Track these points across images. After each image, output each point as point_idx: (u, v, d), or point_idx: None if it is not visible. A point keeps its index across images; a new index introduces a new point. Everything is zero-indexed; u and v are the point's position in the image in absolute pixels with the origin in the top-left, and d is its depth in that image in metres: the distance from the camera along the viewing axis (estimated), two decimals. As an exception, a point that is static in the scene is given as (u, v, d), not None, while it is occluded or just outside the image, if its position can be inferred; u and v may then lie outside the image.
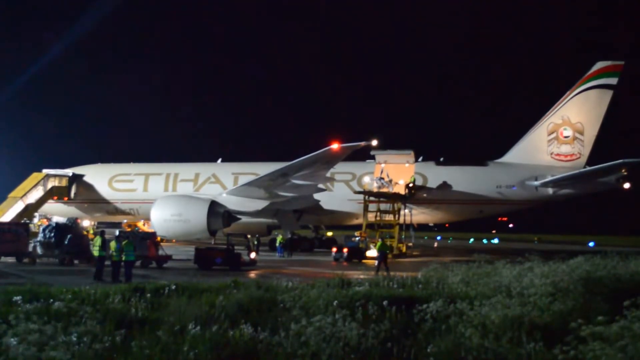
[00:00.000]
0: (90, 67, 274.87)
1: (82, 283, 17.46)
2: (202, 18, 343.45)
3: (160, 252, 29.49)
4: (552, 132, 44.85)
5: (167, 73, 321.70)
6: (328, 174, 40.26)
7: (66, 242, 28.88)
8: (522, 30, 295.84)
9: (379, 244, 27.85)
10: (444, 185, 44.20)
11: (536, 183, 43.51)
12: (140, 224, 52.80)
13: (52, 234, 29.63)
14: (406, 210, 42.39)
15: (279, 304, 12.28)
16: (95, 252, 23.12)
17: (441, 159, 47.33)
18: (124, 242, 22.72)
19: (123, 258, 22.25)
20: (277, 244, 31.88)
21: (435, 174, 44.94)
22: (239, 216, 41.77)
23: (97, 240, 23.29)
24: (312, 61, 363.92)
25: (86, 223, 49.20)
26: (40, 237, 30.23)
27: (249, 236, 38.36)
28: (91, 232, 49.35)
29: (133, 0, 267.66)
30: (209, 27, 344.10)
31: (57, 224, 31.35)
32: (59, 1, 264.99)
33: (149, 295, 13.74)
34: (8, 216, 44.50)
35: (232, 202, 41.11)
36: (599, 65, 44.26)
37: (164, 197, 42.93)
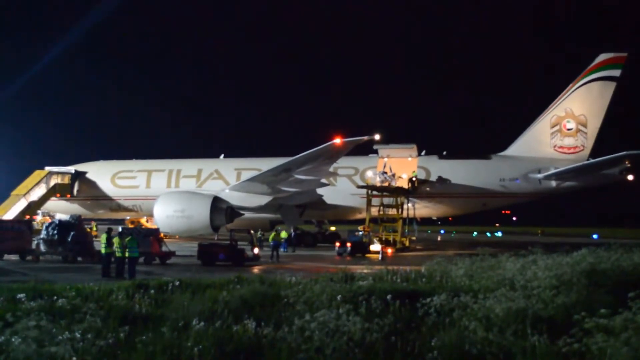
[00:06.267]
0: (92, 65, 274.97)
1: (86, 280, 17.49)
2: (203, 15, 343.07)
3: (164, 249, 29.49)
4: (555, 125, 44.73)
5: (168, 70, 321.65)
6: (331, 169, 40.23)
7: (69, 240, 28.89)
8: (524, 22, 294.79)
9: (272, 234, 33.14)
10: (447, 179, 44.15)
11: (539, 176, 43.42)
12: (143, 220, 52.89)
13: (55, 232, 29.62)
14: (409, 204, 42.34)
15: (282, 299, 12.28)
16: (102, 249, 23.20)
17: (444, 153, 47.31)
18: (127, 239, 22.76)
19: (127, 254, 22.29)
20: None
21: (438, 168, 44.89)
22: (242, 212, 41.81)
23: (103, 237, 23.34)
24: (314, 55, 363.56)
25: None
26: (43, 234, 30.22)
27: (252, 231, 38.43)
28: (94, 229, 49.64)
29: (133, 0, 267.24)
30: (209, 23, 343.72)
31: (60, 221, 31.32)
32: (60, 1, 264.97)
33: (152, 291, 13.79)
34: (11, 214, 44.60)
35: (235, 198, 41.10)
36: (602, 57, 44.08)
37: (167, 193, 42.95)
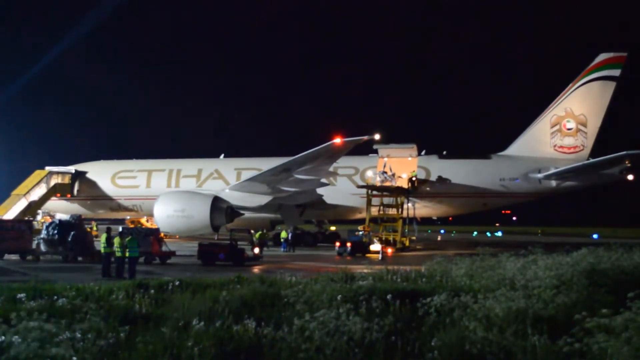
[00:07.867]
0: (92, 65, 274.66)
1: (86, 280, 17.50)
2: (203, 15, 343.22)
3: (164, 248, 29.50)
4: (555, 125, 44.77)
5: (169, 69, 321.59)
6: (331, 169, 40.25)
7: (70, 239, 28.91)
8: (524, 22, 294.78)
9: (258, 233, 34.35)
10: (447, 179, 44.17)
11: (539, 175, 43.45)
12: (143, 220, 52.89)
13: (56, 231, 29.66)
14: (409, 204, 42.35)
15: (282, 299, 12.26)
16: (102, 248, 23.22)
17: (444, 153, 47.32)
18: (127, 239, 22.76)
19: (127, 254, 22.30)
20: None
21: (438, 168, 44.90)
22: (242, 211, 41.82)
23: (103, 237, 23.36)
24: (314, 55, 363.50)
25: None
26: (43, 234, 30.27)
27: (252, 231, 38.49)
28: (95, 229, 49.64)
29: (133, 0, 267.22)
30: (209, 22, 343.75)
31: (60, 221, 31.39)
32: (61, 1, 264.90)
33: (152, 291, 13.79)
34: (11, 214, 44.61)
35: (235, 198, 41.14)
36: (602, 57, 44.13)
37: (167, 193, 43.01)
